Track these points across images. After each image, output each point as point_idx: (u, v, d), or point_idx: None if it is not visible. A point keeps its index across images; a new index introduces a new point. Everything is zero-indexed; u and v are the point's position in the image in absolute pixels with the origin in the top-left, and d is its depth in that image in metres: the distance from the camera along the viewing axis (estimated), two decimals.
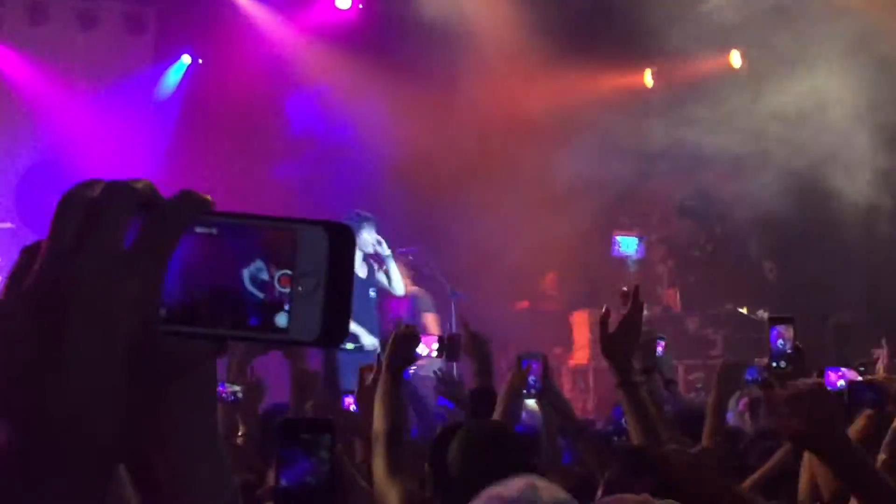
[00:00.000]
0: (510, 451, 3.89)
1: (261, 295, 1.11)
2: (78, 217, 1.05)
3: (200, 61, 16.07)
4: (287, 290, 1.11)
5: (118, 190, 1.07)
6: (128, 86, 15.67)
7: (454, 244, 13.58)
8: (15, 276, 1.07)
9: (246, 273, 1.11)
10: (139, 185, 1.08)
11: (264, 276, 1.11)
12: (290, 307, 1.11)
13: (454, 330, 11.58)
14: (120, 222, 1.06)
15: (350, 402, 6.87)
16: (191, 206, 1.09)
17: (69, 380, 1.03)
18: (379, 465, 4.50)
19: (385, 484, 4.38)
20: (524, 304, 15.74)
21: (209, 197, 1.11)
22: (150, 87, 16.10)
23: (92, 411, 1.04)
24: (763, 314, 13.73)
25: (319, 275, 1.12)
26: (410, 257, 13.01)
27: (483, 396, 6.32)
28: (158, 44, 16.13)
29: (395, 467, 4.46)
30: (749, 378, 7.24)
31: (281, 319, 1.11)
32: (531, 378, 6.22)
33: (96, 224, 1.05)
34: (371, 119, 14.41)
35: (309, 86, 15.32)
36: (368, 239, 12.14)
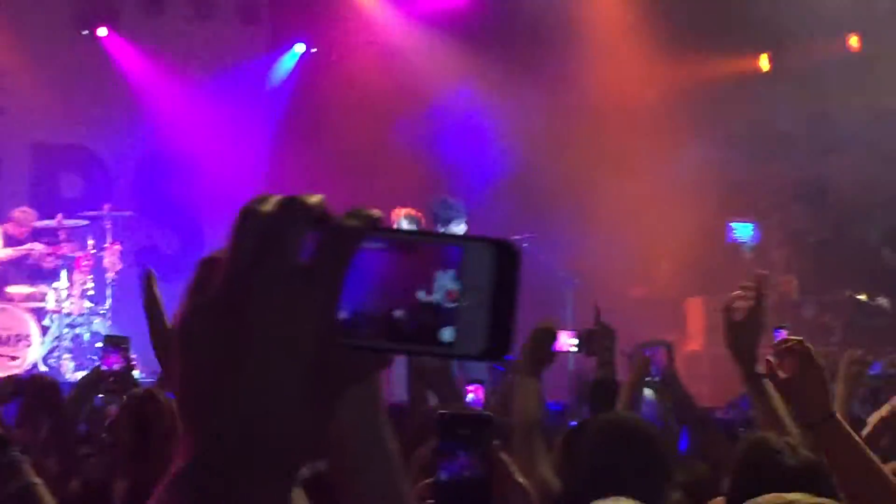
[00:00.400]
0: (644, 445, 3.87)
1: (428, 309, 1.14)
2: (256, 232, 1.09)
3: (314, 50, 16.17)
4: (454, 304, 1.14)
5: (294, 205, 1.11)
6: (240, 75, 15.84)
7: (570, 233, 13.56)
8: (195, 289, 1.12)
9: (413, 288, 1.14)
10: (313, 200, 1.12)
11: (431, 291, 1.14)
12: (457, 322, 1.14)
13: (571, 318, 11.56)
14: (296, 238, 1.10)
15: (471, 391, 6.90)
16: (363, 222, 1.12)
17: (250, 392, 1.08)
18: (521, 451, 4.54)
19: (530, 468, 4.40)
20: (638, 291, 15.66)
21: (379, 213, 1.14)
22: (262, 77, 16.25)
23: (273, 423, 1.09)
24: (883, 301, 13.52)
25: (486, 290, 1.14)
26: (526, 244, 13.00)
27: (605, 387, 6.29)
28: (271, 33, 16.28)
29: (532, 461, 4.49)
30: (872, 373, 7.07)
31: (447, 334, 1.14)
32: (654, 367, 6.19)
33: (274, 239, 1.09)
34: (485, 110, 14.40)
35: (421, 76, 15.32)
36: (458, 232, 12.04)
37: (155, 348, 2.52)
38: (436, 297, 1.14)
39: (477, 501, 2.46)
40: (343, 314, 1.12)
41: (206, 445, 1.08)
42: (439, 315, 1.14)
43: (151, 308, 2.42)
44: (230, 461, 1.08)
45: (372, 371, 1.18)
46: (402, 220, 12.49)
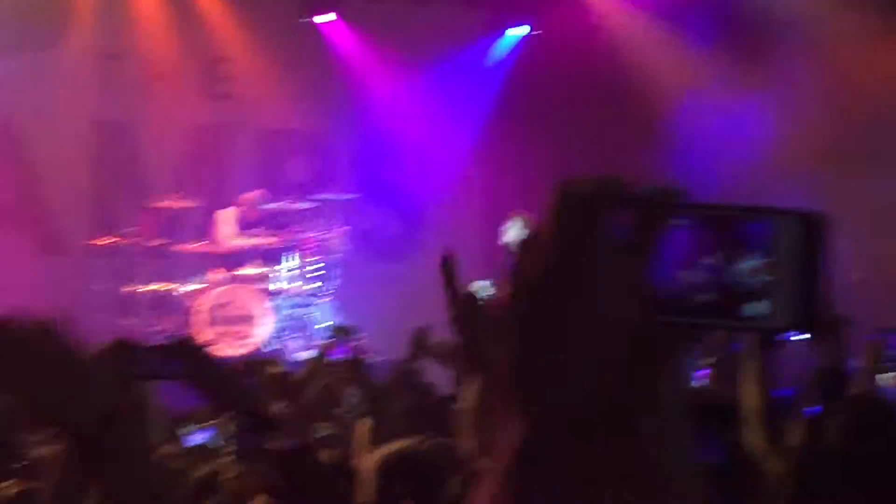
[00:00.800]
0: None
1: (738, 284, 1.14)
2: (576, 213, 1.13)
3: (534, 32, 16.11)
4: (763, 278, 1.14)
5: (609, 185, 1.14)
6: (460, 58, 15.90)
7: None
8: (518, 271, 1.15)
9: (722, 262, 1.14)
10: (624, 181, 1.14)
11: (741, 265, 1.14)
12: (765, 296, 1.14)
13: None
14: (613, 217, 1.13)
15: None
16: (671, 199, 1.14)
17: (579, 370, 1.12)
18: (757, 438, 4.49)
19: (767, 454, 4.35)
20: (862, 274, 15.23)
21: (684, 189, 1.15)
22: (481, 60, 16.28)
23: (594, 402, 1.12)
24: None
25: (794, 263, 1.14)
26: None
27: (834, 377, 6.04)
28: (492, 15, 16.28)
29: (772, 438, 4.43)
30: None
31: (757, 308, 1.14)
32: (892, 352, 6.02)
33: (593, 220, 1.12)
34: (712, 105, 14.16)
35: (644, 65, 15.10)
36: None
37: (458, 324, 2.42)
38: (744, 271, 1.14)
39: (723, 491, 2.44)
40: (654, 290, 1.14)
41: (540, 424, 1.12)
42: (747, 289, 1.14)
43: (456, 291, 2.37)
44: (563, 439, 1.11)
45: (679, 350, 1.19)
46: (514, 225, 12.68)
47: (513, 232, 12.99)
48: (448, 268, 2.07)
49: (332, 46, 15.88)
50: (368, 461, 4.31)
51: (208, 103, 15.47)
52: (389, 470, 4.06)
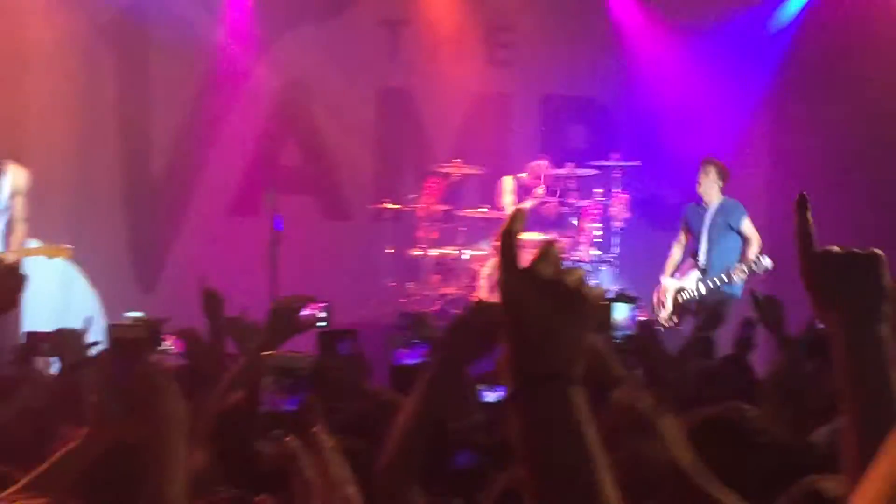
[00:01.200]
0: None
1: None
2: None
3: None
4: None
5: None
6: (740, 23, 15.55)
7: None
8: None
9: None
10: None
11: None
12: None
13: None
14: None
15: None
16: None
17: None
18: None
19: None
20: None
21: None
22: (763, 25, 15.88)
23: None
24: None
25: None
26: None
27: None
28: None
29: None
30: None
31: None
32: None
33: None
34: None
35: None
36: None
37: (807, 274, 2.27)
38: None
39: None
40: None
41: None
42: None
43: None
44: None
45: None
46: (706, 173, 12.36)
47: (706, 182, 12.66)
48: None
49: (610, 12, 15.76)
50: (670, 427, 4.28)
51: (489, 70, 15.59)
52: (697, 435, 4.03)
